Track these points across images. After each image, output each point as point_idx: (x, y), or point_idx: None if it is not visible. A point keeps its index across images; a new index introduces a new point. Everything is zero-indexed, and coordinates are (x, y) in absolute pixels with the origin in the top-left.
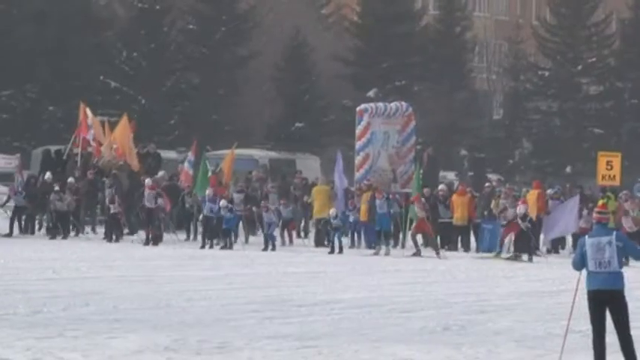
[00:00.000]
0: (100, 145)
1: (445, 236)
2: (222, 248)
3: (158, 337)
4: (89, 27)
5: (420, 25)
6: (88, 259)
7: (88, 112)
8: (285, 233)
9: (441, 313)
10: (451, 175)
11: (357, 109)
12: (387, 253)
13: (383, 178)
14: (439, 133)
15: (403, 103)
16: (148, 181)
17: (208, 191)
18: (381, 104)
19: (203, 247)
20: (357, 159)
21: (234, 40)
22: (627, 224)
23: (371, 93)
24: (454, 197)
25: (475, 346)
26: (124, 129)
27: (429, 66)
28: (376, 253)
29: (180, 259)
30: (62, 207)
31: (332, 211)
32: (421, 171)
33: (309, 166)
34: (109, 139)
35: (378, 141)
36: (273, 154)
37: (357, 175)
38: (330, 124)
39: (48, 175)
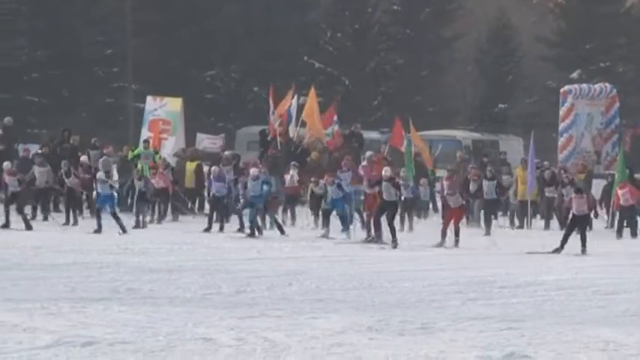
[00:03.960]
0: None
1: None
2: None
3: (361, 318)
4: (294, 8)
5: (625, 6)
6: (292, 239)
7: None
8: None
9: None
10: None
11: (561, 90)
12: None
13: (586, 160)
14: None
15: (607, 84)
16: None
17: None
18: (585, 85)
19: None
20: (561, 140)
21: (439, 21)
22: None
23: (575, 74)
24: None
25: None
26: (312, 108)
27: (634, 47)
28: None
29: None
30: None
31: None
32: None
33: (512, 147)
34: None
35: (581, 122)
36: (476, 135)
37: (561, 156)
38: (534, 105)
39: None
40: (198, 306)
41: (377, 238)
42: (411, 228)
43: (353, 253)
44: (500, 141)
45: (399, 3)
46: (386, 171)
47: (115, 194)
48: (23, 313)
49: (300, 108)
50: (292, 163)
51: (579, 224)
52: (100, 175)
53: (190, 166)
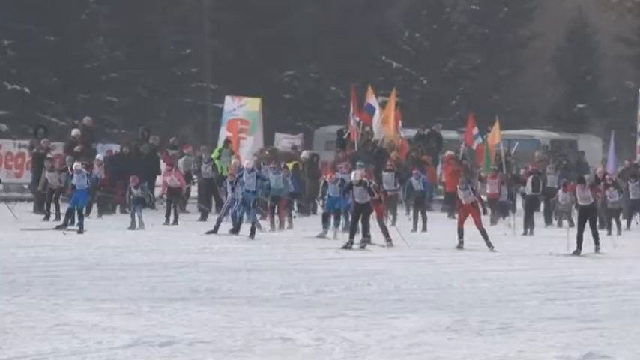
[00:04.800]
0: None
1: None
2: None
3: (439, 317)
4: (371, 7)
5: None
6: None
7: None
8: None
9: None
10: None
11: None
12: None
13: None
14: None
15: None
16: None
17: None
18: None
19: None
20: (639, 141)
21: (517, 20)
22: None
23: None
24: None
25: None
26: (390, 109)
27: None
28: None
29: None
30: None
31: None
32: None
33: (590, 147)
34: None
35: None
36: (554, 134)
37: (639, 156)
38: (612, 105)
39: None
40: (277, 305)
41: (352, 242)
42: (424, 228)
43: (431, 253)
44: (579, 141)
45: (477, 3)
46: (355, 175)
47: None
48: (103, 313)
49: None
50: (358, 163)
51: (589, 217)
52: (77, 166)
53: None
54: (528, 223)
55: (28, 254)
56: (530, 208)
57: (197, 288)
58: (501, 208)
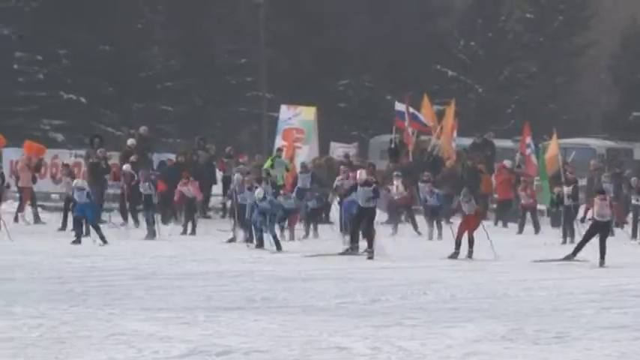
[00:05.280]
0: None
1: None
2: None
3: (495, 327)
4: (427, 16)
5: None
6: (423, 248)
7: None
8: None
9: None
10: None
11: None
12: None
13: None
14: None
15: None
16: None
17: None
18: None
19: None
20: None
21: (572, 28)
22: None
23: None
24: None
25: None
26: (449, 116)
27: None
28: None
29: (513, 247)
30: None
31: None
32: None
33: None
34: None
35: None
36: (610, 143)
37: None
38: None
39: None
40: (333, 315)
41: (353, 250)
42: (440, 236)
43: (486, 262)
44: (635, 149)
45: (532, 11)
46: (361, 174)
47: (94, 203)
48: (159, 323)
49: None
50: (395, 173)
51: (599, 231)
52: (78, 182)
53: None
54: (568, 232)
55: (83, 264)
56: (569, 217)
57: (253, 297)
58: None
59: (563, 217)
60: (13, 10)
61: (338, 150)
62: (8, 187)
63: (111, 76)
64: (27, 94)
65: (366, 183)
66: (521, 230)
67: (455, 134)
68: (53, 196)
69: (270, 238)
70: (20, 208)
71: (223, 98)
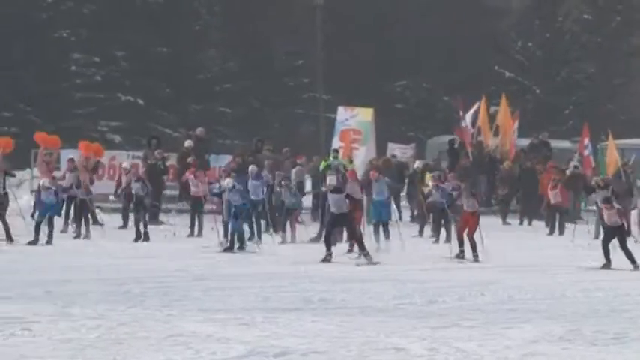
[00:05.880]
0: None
1: None
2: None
3: (553, 327)
4: (483, 17)
5: None
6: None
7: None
8: None
9: None
10: None
11: None
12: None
13: None
14: None
15: None
16: None
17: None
18: None
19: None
20: None
21: (630, 29)
22: None
23: None
24: None
25: None
26: (504, 116)
27: None
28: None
29: (574, 249)
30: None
31: None
32: None
33: None
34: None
35: None
36: None
37: None
38: None
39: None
40: (391, 316)
41: (328, 258)
42: (448, 239)
43: (544, 263)
44: None
45: (589, 12)
46: (331, 181)
47: (60, 202)
48: (216, 324)
49: (492, 117)
50: (432, 174)
51: (616, 236)
52: (45, 182)
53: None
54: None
55: (141, 265)
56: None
57: (310, 298)
58: None
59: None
60: (70, 13)
61: (396, 151)
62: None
63: (168, 77)
64: (84, 96)
65: (335, 190)
66: (551, 232)
67: (515, 133)
68: (111, 197)
69: (236, 234)
70: None
71: (281, 100)
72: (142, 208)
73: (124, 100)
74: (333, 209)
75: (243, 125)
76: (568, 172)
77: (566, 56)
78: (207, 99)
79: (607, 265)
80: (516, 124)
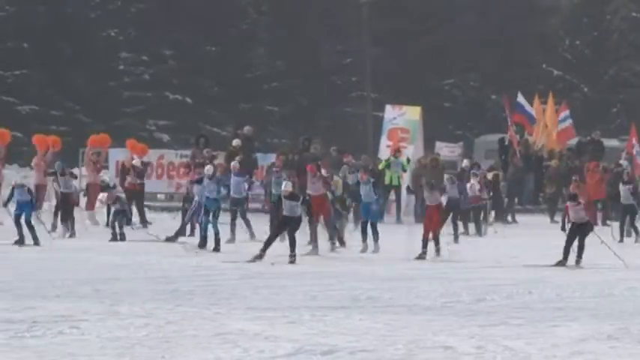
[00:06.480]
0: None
1: None
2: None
3: (601, 326)
4: (533, 16)
5: None
6: (529, 246)
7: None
8: None
9: None
10: None
11: None
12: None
13: None
14: None
15: None
16: None
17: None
18: None
19: None
20: None
21: None
22: None
23: None
24: None
25: None
26: (551, 114)
27: None
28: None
29: (622, 247)
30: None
31: None
32: None
33: None
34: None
35: None
36: None
37: None
38: None
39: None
40: (439, 314)
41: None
42: (455, 239)
43: (590, 262)
44: None
45: (638, 10)
46: (286, 185)
47: (33, 201)
48: (264, 322)
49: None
50: (472, 171)
51: (579, 232)
52: (17, 180)
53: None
54: (626, 231)
55: (188, 263)
56: (631, 216)
57: (358, 297)
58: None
59: (621, 215)
60: (118, 12)
61: (443, 150)
62: (114, 187)
63: (217, 76)
64: (133, 95)
65: (291, 196)
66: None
67: (568, 120)
68: (159, 196)
69: (213, 234)
70: None
71: (328, 98)
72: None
73: (172, 98)
74: (285, 212)
75: (291, 124)
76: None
77: (614, 54)
78: (255, 97)
79: (562, 262)
80: (565, 112)
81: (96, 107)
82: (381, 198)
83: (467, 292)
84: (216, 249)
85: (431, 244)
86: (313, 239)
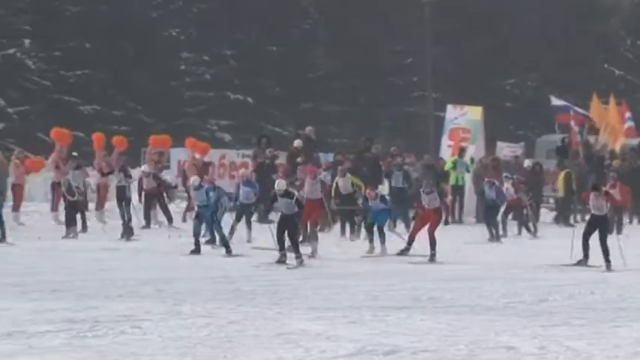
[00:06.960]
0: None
1: None
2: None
3: None
4: (594, 15)
5: None
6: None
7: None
8: None
9: None
10: None
11: None
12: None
13: None
14: None
15: None
16: None
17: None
18: None
19: None
20: None
21: None
22: None
23: None
24: None
25: None
26: (614, 113)
27: None
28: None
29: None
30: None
31: None
32: None
33: None
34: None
35: None
36: None
37: None
38: None
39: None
40: (501, 314)
41: (282, 257)
42: (497, 237)
43: None
44: None
45: None
46: (279, 184)
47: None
48: (326, 322)
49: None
50: (505, 175)
51: (598, 227)
52: None
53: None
54: None
55: (250, 263)
56: None
57: (419, 297)
58: None
59: None
60: (179, 12)
61: (505, 150)
62: (176, 187)
63: (278, 76)
64: (194, 95)
65: (286, 194)
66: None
67: (629, 122)
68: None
69: (218, 239)
70: (188, 207)
71: (389, 98)
72: (124, 201)
73: (234, 98)
74: (283, 210)
75: (352, 124)
76: None
77: None
78: (316, 97)
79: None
80: (627, 113)
81: (157, 107)
82: (391, 206)
83: (529, 292)
84: (228, 252)
85: (426, 245)
86: (309, 239)
